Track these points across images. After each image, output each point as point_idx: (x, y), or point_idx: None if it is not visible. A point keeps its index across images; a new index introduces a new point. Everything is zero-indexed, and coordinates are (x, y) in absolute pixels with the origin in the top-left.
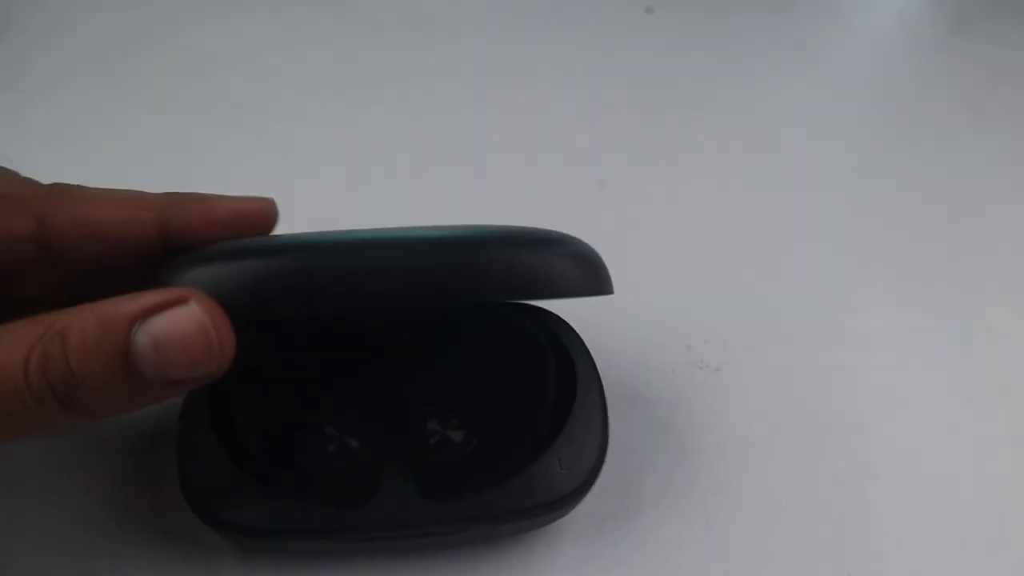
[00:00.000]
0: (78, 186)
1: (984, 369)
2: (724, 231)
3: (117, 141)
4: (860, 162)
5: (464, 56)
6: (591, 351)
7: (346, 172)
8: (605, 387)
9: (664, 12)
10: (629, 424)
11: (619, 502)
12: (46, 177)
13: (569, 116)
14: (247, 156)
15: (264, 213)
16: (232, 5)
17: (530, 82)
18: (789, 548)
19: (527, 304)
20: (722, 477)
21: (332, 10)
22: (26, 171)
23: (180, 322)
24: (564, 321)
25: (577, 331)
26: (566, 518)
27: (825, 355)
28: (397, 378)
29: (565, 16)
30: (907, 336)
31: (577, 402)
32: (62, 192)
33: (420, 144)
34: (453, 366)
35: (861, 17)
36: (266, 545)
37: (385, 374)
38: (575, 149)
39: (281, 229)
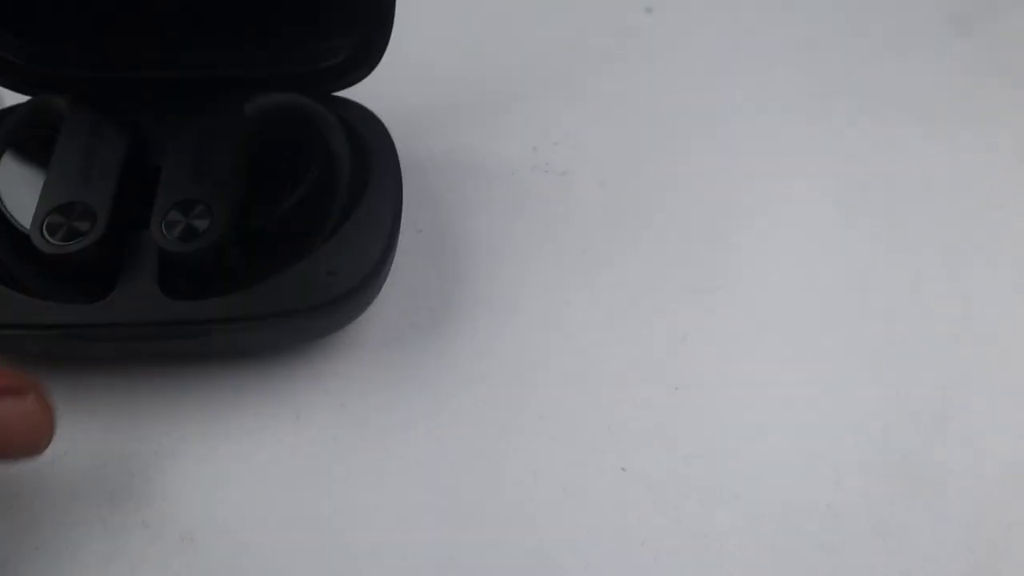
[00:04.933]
0: None
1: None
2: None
3: None
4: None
5: None
6: (415, 151)
7: None
8: (429, 190)
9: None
10: (451, 230)
11: (416, 313)
12: None
13: None
14: None
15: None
16: None
17: None
18: (612, 358)
19: (334, 95)
20: (558, 287)
21: None
22: None
23: (11, 413)
24: (371, 113)
25: (386, 125)
26: (353, 325)
27: (686, 165)
28: (148, 155)
29: None
30: (786, 156)
31: (363, 203)
32: None
33: None
34: (218, 146)
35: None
36: None
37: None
38: None
39: None
